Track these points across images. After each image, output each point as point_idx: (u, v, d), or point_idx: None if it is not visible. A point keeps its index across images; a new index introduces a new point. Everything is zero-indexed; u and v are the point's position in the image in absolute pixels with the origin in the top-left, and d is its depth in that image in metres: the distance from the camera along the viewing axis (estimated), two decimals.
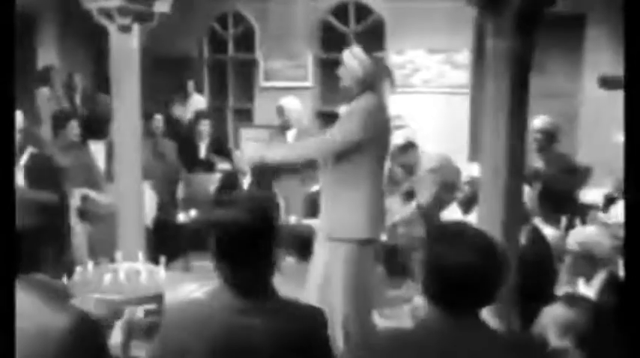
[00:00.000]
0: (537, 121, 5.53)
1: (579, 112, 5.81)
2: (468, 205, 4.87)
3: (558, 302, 2.20)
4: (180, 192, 6.26)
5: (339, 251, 3.37)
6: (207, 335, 1.57)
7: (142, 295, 3.25)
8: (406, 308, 3.74)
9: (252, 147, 4.51)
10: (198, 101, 8.02)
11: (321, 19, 7.22)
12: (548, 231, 4.16)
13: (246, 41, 7.88)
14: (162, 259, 3.60)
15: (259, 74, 7.72)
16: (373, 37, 6.93)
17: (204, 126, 6.95)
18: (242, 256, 1.61)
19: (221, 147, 7.21)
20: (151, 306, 3.09)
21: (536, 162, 5.43)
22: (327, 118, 7.35)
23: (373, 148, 3.40)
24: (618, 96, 5.94)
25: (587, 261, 3.21)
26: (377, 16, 6.83)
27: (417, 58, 6.39)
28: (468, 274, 1.46)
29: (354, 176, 3.36)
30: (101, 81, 7.22)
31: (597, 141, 5.30)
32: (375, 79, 3.63)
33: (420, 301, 3.67)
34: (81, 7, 4.19)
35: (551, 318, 2.09)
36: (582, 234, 3.37)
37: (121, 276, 3.45)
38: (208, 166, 6.88)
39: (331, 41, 7.26)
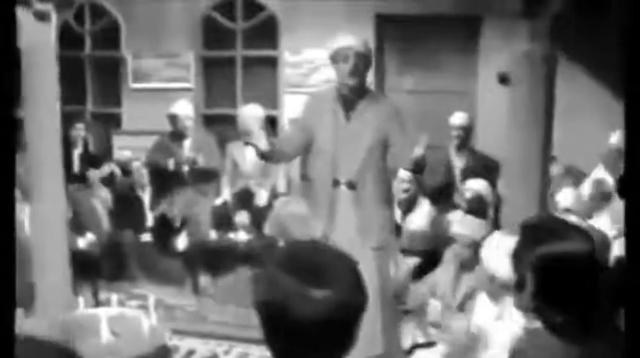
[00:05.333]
0: (456, 118, 5.48)
1: (475, 109, 6.07)
2: (409, 206, 4.84)
3: None
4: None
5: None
6: None
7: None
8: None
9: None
10: None
11: (204, 15, 6.64)
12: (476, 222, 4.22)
13: (106, 36, 6.96)
14: (151, 300, 2.98)
15: (127, 74, 6.87)
16: (264, 35, 6.56)
17: (78, 131, 6.01)
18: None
19: (95, 158, 6.29)
20: None
21: (456, 159, 5.52)
22: (211, 122, 6.80)
23: None
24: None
25: None
26: (269, 13, 6.46)
27: (317, 58, 6.14)
28: None
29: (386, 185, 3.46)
30: None
31: (493, 135, 5.53)
32: None
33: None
34: None
35: None
36: None
37: (106, 329, 2.76)
38: (84, 180, 5.95)
39: (216, 39, 6.72)
